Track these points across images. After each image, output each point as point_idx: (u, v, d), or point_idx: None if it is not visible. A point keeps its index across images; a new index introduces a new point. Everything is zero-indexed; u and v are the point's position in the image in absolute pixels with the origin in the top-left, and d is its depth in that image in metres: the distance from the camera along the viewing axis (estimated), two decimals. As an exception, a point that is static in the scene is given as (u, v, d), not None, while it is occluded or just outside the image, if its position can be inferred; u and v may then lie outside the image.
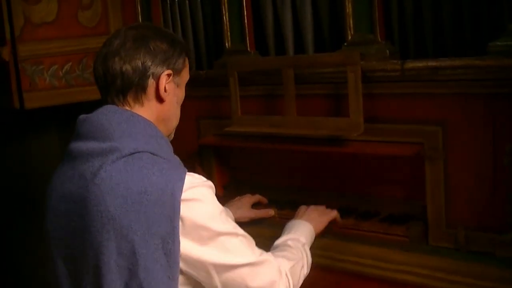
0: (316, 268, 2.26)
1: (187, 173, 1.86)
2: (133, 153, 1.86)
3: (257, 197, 2.78)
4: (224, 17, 2.99)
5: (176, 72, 2.03)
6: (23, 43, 3.27)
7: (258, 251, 2.00)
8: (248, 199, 2.73)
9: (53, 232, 2.02)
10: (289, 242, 2.24)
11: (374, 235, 2.52)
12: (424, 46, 2.49)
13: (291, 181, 2.91)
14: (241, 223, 2.14)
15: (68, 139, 3.91)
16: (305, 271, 2.19)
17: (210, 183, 1.92)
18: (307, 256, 2.24)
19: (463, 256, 2.31)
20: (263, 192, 2.82)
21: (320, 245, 2.43)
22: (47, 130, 4.06)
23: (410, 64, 2.36)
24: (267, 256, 2.01)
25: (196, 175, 1.89)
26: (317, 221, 2.45)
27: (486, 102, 2.22)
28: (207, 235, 1.85)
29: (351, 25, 2.53)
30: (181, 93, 2.11)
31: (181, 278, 1.87)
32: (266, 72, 2.82)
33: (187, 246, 1.83)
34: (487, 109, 2.22)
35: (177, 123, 2.14)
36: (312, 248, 2.33)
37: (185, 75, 2.11)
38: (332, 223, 2.53)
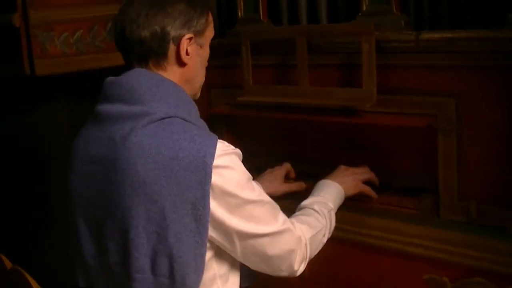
0: (328, 240, 2.26)
1: (218, 140, 1.85)
2: (164, 118, 1.87)
3: (287, 167, 2.70)
4: (237, -15, 2.96)
5: (198, 34, 2.00)
6: (34, 9, 3.24)
7: (281, 218, 2.00)
8: (280, 171, 2.65)
9: (76, 193, 2.02)
10: (316, 207, 2.23)
11: (385, 207, 2.51)
12: (439, 18, 2.47)
13: (302, 152, 2.89)
14: (273, 198, 2.14)
15: (79, 107, 3.93)
16: (325, 238, 2.20)
17: (239, 151, 1.92)
18: (331, 223, 2.24)
19: (474, 230, 2.30)
20: (274, 162, 2.80)
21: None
22: (56, 97, 4.05)
23: (425, 35, 2.33)
24: (289, 224, 2.01)
25: (226, 143, 1.89)
26: (349, 186, 2.44)
27: (502, 75, 2.19)
28: (235, 202, 1.86)
29: (367, -5, 2.50)
30: (205, 53, 2.08)
31: None
32: (279, 41, 2.79)
33: (214, 209, 1.83)
34: (502, 82, 2.19)
35: (203, 81, 2.13)
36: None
37: (209, 34, 2.07)
38: (366, 196, 2.52)
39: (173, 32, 1.94)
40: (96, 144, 1.94)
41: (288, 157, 2.76)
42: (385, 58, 2.44)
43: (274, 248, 1.96)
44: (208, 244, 1.88)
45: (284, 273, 2.05)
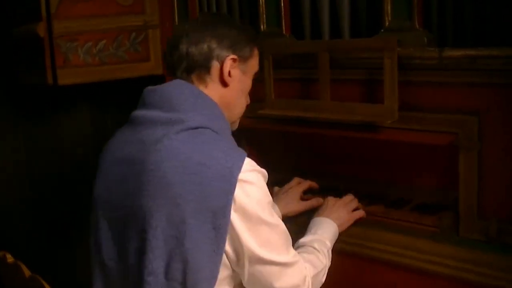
0: (344, 254, 2.27)
1: (247, 157, 1.90)
2: (197, 127, 1.92)
3: (306, 184, 2.72)
4: (261, 0, 2.97)
5: (242, 59, 2.09)
6: (58, 20, 3.31)
7: (292, 251, 2.03)
8: (296, 190, 2.66)
9: (102, 195, 2.07)
10: (316, 245, 2.24)
11: (404, 223, 2.50)
12: (463, 35, 2.45)
13: (322, 167, 2.88)
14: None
15: (100, 116, 3.97)
16: (324, 278, 2.21)
17: (265, 171, 1.96)
18: (329, 262, 2.25)
19: (494, 249, 2.28)
20: (293, 177, 2.80)
21: (348, 232, 2.43)
22: (79, 107, 4.09)
23: (448, 53, 2.32)
24: (298, 258, 2.03)
25: (253, 162, 1.93)
26: (343, 221, 2.46)
27: (525, 94, 2.18)
28: (253, 220, 1.88)
29: (389, 11, 2.49)
30: (247, 82, 2.17)
31: (223, 258, 1.89)
32: (301, 55, 2.80)
33: (234, 221, 1.85)
34: (525, 101, 2.18)
35: (242, 113, 2.22)
36: (340, 235, 2.33)
37: (253, 64, 2.17)
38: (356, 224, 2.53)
39: (218, 50, 2.04)
40: (127, 146, 2.00)
41: (308, 172, 2.77)
42: (407, 75, 2.43)
43: (280, 280, 1.98)
44: (226, 261, 1.90)
45: None
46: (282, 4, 2.89)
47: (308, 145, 2.92)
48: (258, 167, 1.94)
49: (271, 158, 2.92)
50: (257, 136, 3.10)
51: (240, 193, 1.85)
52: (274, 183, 2.64)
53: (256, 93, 2.91)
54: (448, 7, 2.47)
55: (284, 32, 2.91)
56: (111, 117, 4.01)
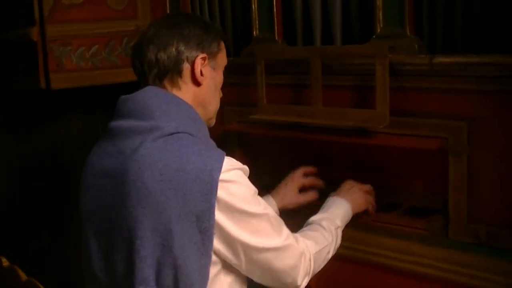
0: (336, 258, 2.29)
1: (225, 156, 1.90)
2: (173, 133, 1.92)
3: (302, 175, 2.67)
4: (253, 5, 3.00)
5: (211, 56, 2.10)
6: (51, 24, 3.30)
7: (285, 233, 2.04)
8: (296, 183, 2.63)
9: (87, 207, 2.07)
10: (324, 223, 2.27)
11: (395, 227, 2.54)
12: (453, 42, 2.49)
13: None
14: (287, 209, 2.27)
15: (92, 121, 3.97)
16: (330, 255, 2.24)
17: (246, 167, 1.97)
18: (337, 241, 2.28)
19: (483, 251, 2.33)
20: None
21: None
22: (71, 111, 4.10)
23: (439, 59, 2.37)
24: (291, 239, 2.05)
25: (233, 159, 1.94)
26: (357, 203, 2.48)
27: (513, 99, 2.23)
28: (240, 216, 1.90)
29: (381, 18, 2.53)
30: (218, 77, 2.16)
31: (212, 256, 1.91)
32: (293, 61, 2.83)
33: (221, 222, 1.87)
34: (513, 106, 2.23)
35: (218, 108, 2.20)
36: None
37: (222, 59, 2.17)
38: (364, 213, 2.55)
39: (187, 52, 2.05)
40: (107, 159, 2.00)
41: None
42: (398, 81, 2.47)
43: (278, 263, 2.01)
44: (215, 258, 1.93)
45: (288, 287, 2.08)
46: (275, 10, 2.93)
47: (300, 150, 2.94)
48: (238, 164, 1.95)
49: (263, 163, 2.95)
50: (250, 141, 3.13)
51: (223, 193, 1.86)
52: (265, 187, 2.66)
53: (248, 98, 2.96)
54: (439, 14, 2.51)
55: (276, 38, 2.95)
56: (103, 121, 4.01)
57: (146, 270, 1.88)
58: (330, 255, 2.24)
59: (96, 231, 2.04)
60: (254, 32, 3.03)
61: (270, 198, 2.53)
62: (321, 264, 2.20)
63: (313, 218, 2.32)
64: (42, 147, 4.01)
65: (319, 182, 2.66)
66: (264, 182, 2.75)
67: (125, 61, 3.48)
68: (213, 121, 2.23)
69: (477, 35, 2.42)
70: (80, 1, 3.36)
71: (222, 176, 1.85)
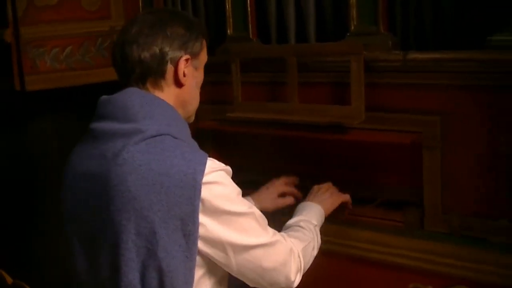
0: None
1: (208, 157, 1.91)
2: (156, 136, 1.90)
3: (289, 189, 2.70)
4: (227, 5, 3.03)
5: (194, 56, 2.07)
6: (25, 26, 3.29)
7: (271, 231, 2.05)
8: (277, 188, 2.67)
9: (69, 210, 2.06)
10: (301, 224, 2.30)
11: (371, 220, 2.61)
12: (425, 38, 2.56)
13: (290, 167, 2.91)
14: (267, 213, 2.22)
15: (63, 122, 3.95)
16: (315, 251, 2.26)
17: (229, 168, 1.97)
18: (317, 237, 2.30)
19: (457, 241, 2.41)
20: (261, 178, 2.83)
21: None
22: (44, 112, 4.08)
23: (412, 55, 2.44)
24: (279, 236, 2.07)
25: (216, 161, 1.94)
26: (327, 203, 2.51)
27: (485, 94, 2.30)
28: (225, 216, 1.90)
29: (355, 16, 2.59)
30: (200, 76, 2.15)
31: (197, 259, 1.91)
32: (269, 59, 2.87)
33: (207, 224, 1.88)
34: (485, 101, 2.31)
35: (197, 106, 2.18)
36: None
37: (203, 57, 2.14)
38: (343, 208, 2.60)
39: (171, 53, 2.01)
40: (89, 161, 1.98)
41: (276, 172, 2.83)
42: (373, 77, 2.53)
43: (268, 260, 2.01)
44: (200, 261, 1.94)
45: (282, 286, 2.09)
46: (249, 9, 2.97)
47: (276, 146, 2.98)
48: (221, 165, 1.95)
49: (239, 160, 2.98)
50: (223, 138, 3.16)
51: (207, 195, 1.86)
52: (242, 183, 2.69)
53: (224, 95, 2.98)
54: (412, 12, 2.58)
55: (251, 37, 2.99)
56: (77, 122, 3.99)
57: (131, 273, 1.88)
58: (315, 252, 2.26)
59: (80, 234, 2.03)
60: (229, 31, 3.06)
61: (248, 198, 2.54)
62: (309, 260, 2.22)
63: (290, 222, 2.35)
64: (13, 148, 3.99)
65: (298, 194, 2.68)
66: (239, 179, 2.79)
67: (99, 62, 3.50)
68: (192, 118, 2.21)
69: (448, 31, 2.50)
70: (54, 2, 3.36)
71: (205, 178, 1.85)
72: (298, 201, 2.59)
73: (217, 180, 1.89)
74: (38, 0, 3.33)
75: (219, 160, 1.96)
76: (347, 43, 2.59)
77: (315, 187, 2.59)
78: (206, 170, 1.86)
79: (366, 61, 2.51)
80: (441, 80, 2.39)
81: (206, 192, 1.85)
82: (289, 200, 2.64)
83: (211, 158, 1.92)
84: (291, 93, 2.74)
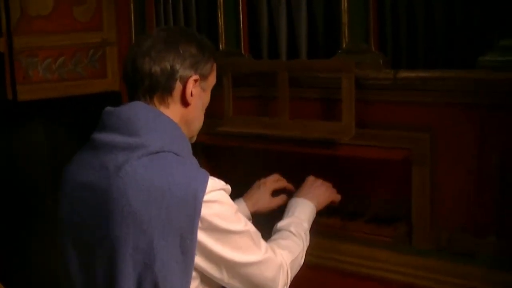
0: (305, 266, 2.31)
1: (209, 176, 1.92)
2: (159, 152, 1.91)
3: (282, 183, 2.70)
4: (220, 20, 3.05)
5: (203, 77, 2.08)
6: (18, 36, 3.32)
7: (263, 247, 2.07)
8: (269, 186, 2.67)
9: (66, 218, 2.06)
10: (292, 229, 2.31)
11: (360, 235, 2.63)
12: (415, 58, 2.61)
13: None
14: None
15: (55, 132, 3.95)
16: (303, 260, 2.28)
17: (228, 187, 1.99)
18: (307, 242, 2.33)
19: (445, 256, 2.44)
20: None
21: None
22: (34, 122, 4.08)
23: (402, 74, 2.48)
24: (270, 253, 2.08)
25: (216, 179, 1.94)
26: (320, 199, 2.53)
27: (473, 112, 2.34)
28: (223, 234, 1.92)
29: (346, 34, 2.63)
30: (206, 98, 2.16)
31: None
32: (260, 74, 2.88)
33: (204, 241, 1.89)
34: (473, 119, 2.34)
35: (200, 127, 2.19)
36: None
37: (212, 80, 2.15)
38: (330, 204, 2.61)
39: (181, 71, 2.01)
40: (89, 172, 1.98)
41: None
42: (363, 94, 2.56)
43: (259, 276, 2.04)
44: (195, 273, 1.94)
45: None
46: (241, 25, 2.99)
47: (267, 160, 2.99)
48: (221, 184, 1.96)
49: (229, 173, 2.99)
50: (215, 152, 3.17)
51: (207, 213, 1.88)
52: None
53: (215, 110, 2.98)
54: (402, 31, 2.62)
55: (243, 52, 3.01)
56: (68, 131, 4.01)
57: (126, 285, 1.89)
58: (303, 260, 2.28)
59: (76, 243, 2.03)
60: (221, 46, 3.08)
61: (242, 202, 2.56)
62: (297, 270, 2.24)
63: (281, 224, 2.36)
64: (4, 155, 3.99)
65: (290, 186, 2.69)
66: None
67: (90, 73, 3.51)
68: (194, 138, 2.22)
69: (438, 51, 2.54)
70: (47, 13, 3.38)
71: (206, 197, 1.86)
72: (291, 194, 2.60)
73: (217, 199, 1.91)
74: (32, 9, 3.36)
75: (210, 173, 1.98)
76: (339, 60, 2.62)
77: (310, 178, 2.61)
78: (207, 189, 1.87)
79: (357, 78, 2.54)
80: (431, 98, 2.43)
81: (205, 210, 1.86)
82: (282, 200, 2.63)
83: (212, 177, 1.92)
84: (282, 108, 2.76)
